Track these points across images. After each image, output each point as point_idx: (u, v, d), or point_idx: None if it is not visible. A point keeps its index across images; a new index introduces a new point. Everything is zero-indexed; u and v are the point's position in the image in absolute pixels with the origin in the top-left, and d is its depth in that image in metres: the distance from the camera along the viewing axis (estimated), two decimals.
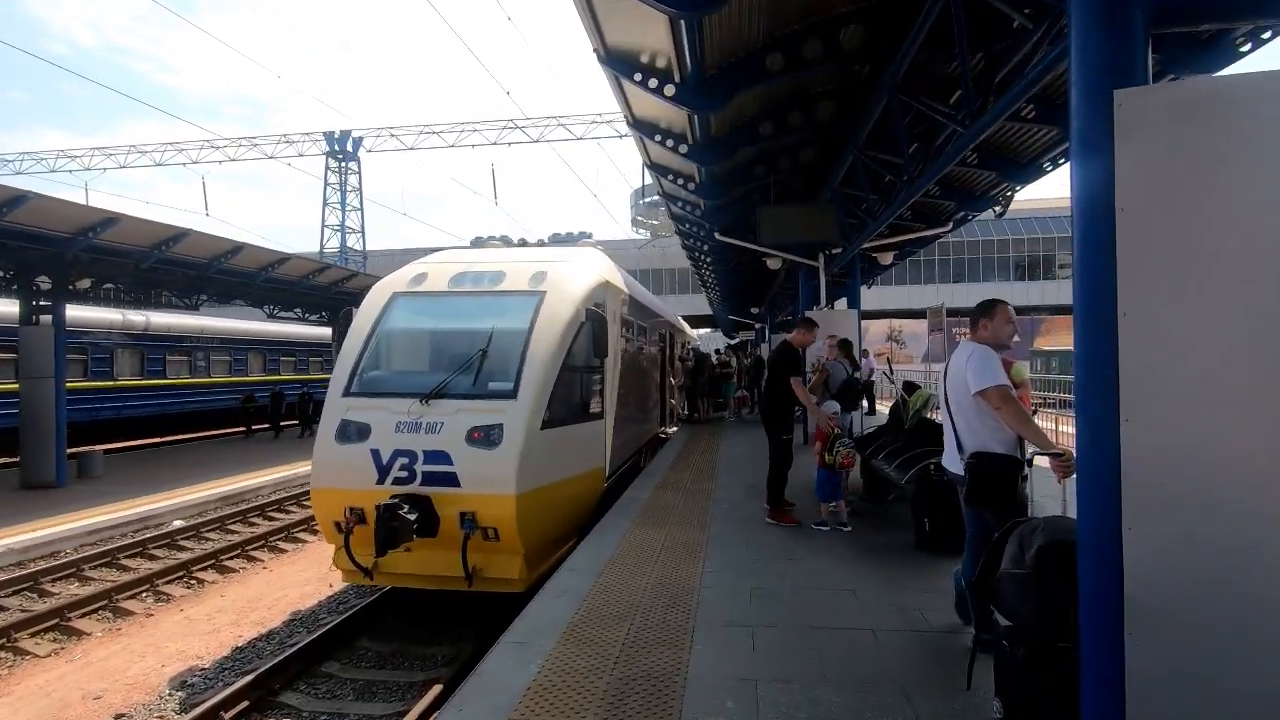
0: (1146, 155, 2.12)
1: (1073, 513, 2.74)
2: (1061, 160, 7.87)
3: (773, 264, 11.51)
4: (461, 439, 6.46)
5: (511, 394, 6.70)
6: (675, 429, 16.34)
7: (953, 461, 3.38)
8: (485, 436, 6.50)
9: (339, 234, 30.82)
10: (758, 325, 31.50)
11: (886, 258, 11.48)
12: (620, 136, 26.93)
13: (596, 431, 8.01)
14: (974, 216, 10.65)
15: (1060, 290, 45.53)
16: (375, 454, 6.52)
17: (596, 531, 6.19)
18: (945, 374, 3.47)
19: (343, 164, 30.43)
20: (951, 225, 10.86)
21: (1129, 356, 2.12)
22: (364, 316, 7.73)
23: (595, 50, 5.50)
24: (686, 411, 17.93)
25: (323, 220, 31.10)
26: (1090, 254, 2.25)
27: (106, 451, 15.73)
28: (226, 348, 23.72)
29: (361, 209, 31.48)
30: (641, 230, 65.65)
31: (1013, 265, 47.14)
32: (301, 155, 30.16)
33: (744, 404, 18.18)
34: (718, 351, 21.14)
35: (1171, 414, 2.08)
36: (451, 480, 6.38)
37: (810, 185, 9.17)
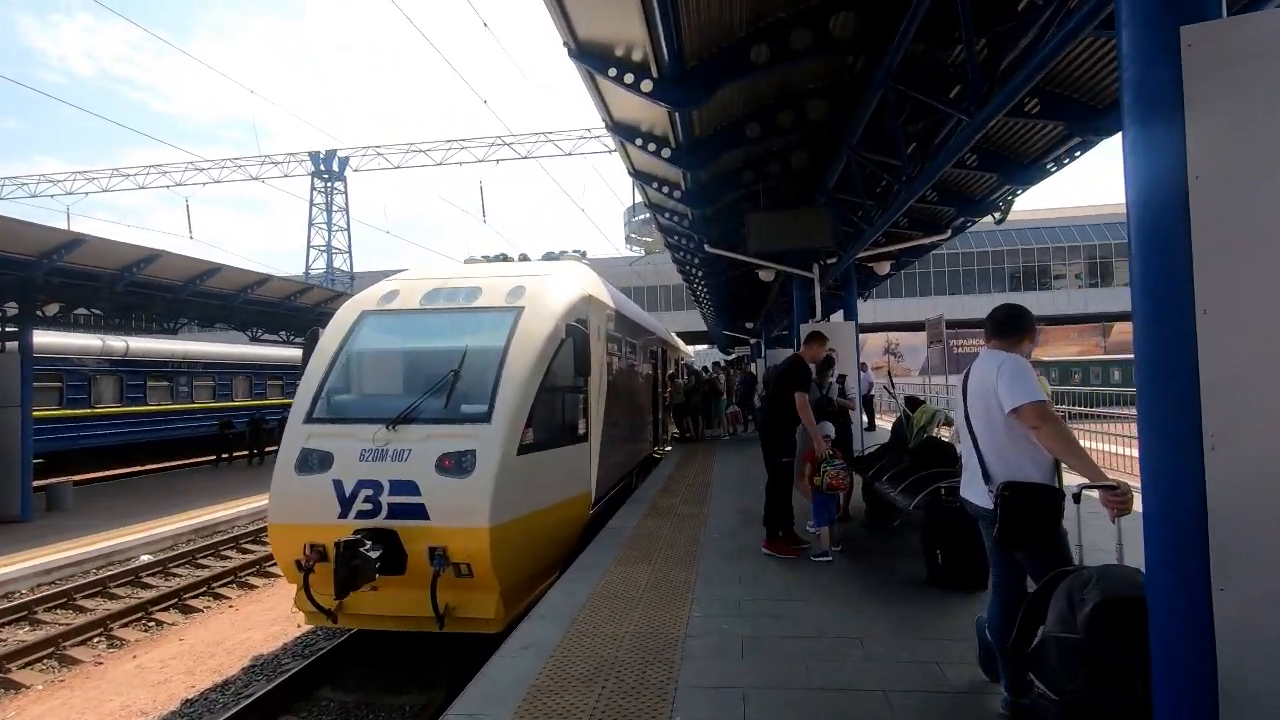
0: (1225, 108, 1.65)
1: (1132, 560, 2.24)
2: (1066, 160, 7.46)
3: (765, 276, 11.07)
4: (430, 467, 5.97)
5: (485, 417, 6.22)
6: (669, 449, 15.82)
7: (976, 492, 2.87)
8: (456, 464, 6.01)
9: (325, 255, 30.43)
10: (753, 341, 31.08)
11: (883, 267, 11.07)
12: (610, 151, 26.64)
13: (580, 455, 7.51)
14: (974, 222, 10.24)
15: (1055, 300, 45.38)
16: (338, 485, 6.03)
17: (574, 569, 5.65)
18: (964, 388, 2.98)
19: (329, 184, 30.03)
20: (950, 232, 10.45)
21: (1213, 364, 1.64)
22: (330, 336, 7.27)
23: (565, 44, 5.08)
24: (676, 431, 17.41)
25: (308, 241, 30.67)
26: (1155, 237, 1.78)
27: (77, 483, 15.13)
28: (210, 372, 23.17)
29: (348, 229, 31.07)
30: (635, 248, 65.49)
31: (1008, 276, 46.96)
32: (287, 176, 29.88)
33: (736, 421, 17.67)
34: (705, 369, 20.61)
35: (1274, 436, 1.60)
36: (419, 512, 5.88)
37: (802, 191, 8.75)
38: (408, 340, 7.37)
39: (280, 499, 6.19)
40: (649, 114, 6.17)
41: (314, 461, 6.21)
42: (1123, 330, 44.12)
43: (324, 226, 29.90)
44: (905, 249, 10.73)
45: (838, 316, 11.70)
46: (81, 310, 15.64)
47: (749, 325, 26.04)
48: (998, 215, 9.99)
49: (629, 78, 5.08)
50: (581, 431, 7.60)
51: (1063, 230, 46.49)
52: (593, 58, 5.11)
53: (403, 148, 28.52)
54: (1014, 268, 46.69)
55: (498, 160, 27.57)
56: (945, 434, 6.91)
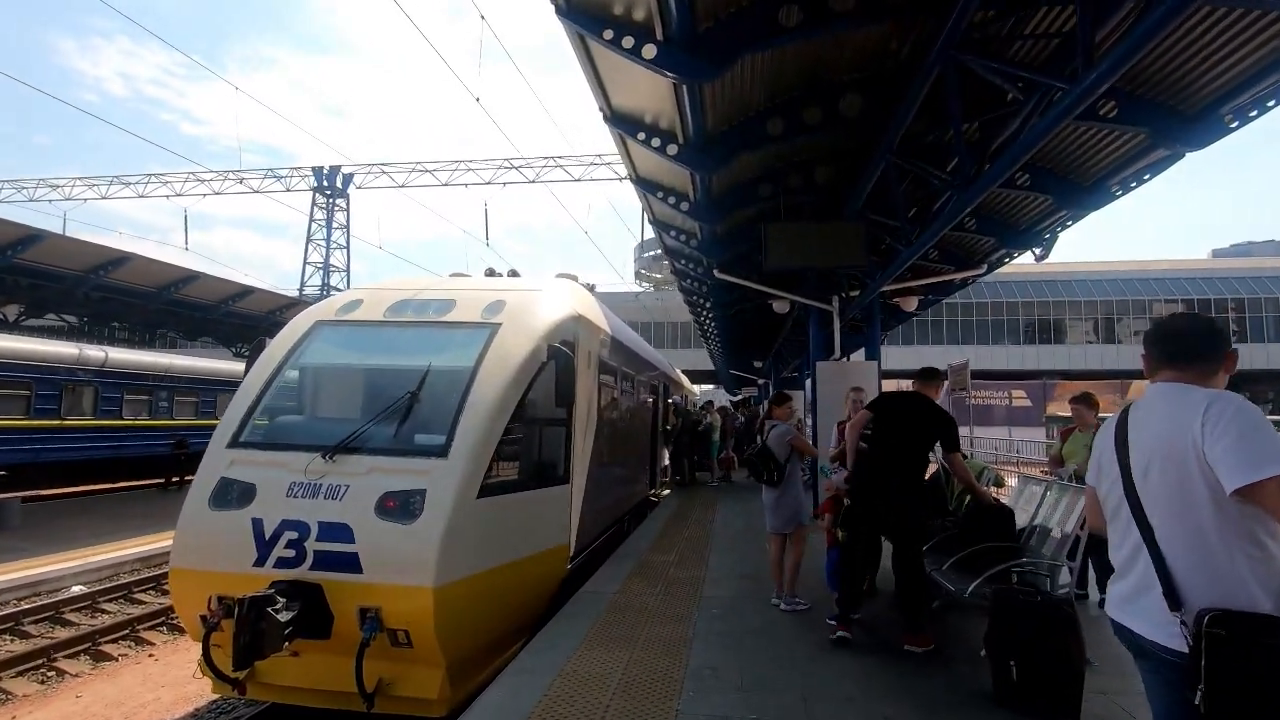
0: None
1: None
2: (1133, 183, 6.46)
3: (779, 307, 10.07)
4: (370, 508, 4.94)
5: (441, 450, 5.21)
6: (667, 492, 14.65)
7: (1149, 619, 1.70)
8: (401, 506, 4.98)
9: (321, 273, 29.55)
10: (760, 381, 30.03)
11: (910, 304, 10.05)
12: (620, 179, 25.93)
13: (559, 500, 6.44)
14: (1011, 258, 9.24)
15: (1069, 355, 44.34)
16: (257, 525, 4.98)
17: (529, 653, 4.47)
18: (1117, 442, 1.89)
19: (330, 200, 29.35)
20: (986, 268, 9.45)
21: None
22: (275, 349, 6.31)
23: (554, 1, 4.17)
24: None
25: (305, 257, 29.89)
26: None
27: (28, 499, 14.05)
28: (194, 387, 22.19)
29: (348, 247, 30.32)
30: (645, 284, 64.99)
31: (1022, 328, 46.00)
32: (290, 191, 29.21)
33: (730, 465, 16.33)
34: (703, 409, 19.15)
35: None
36: (351, 564, 4.82)
37: (826, 209, 7.78)
38: (364, 356, 6.37)
39: (187, 538, 5.13)
40: (654, 101, 5.24)
41: (233, 495, 5.18)
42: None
43: (323, 244, 29.19)
44: (935, 284, 9.73)
45: (858, 356, 10.65)
46: (53, 316, 14.84)
47: (758, 364, 24.99)
48: (1039, 250, 9.01)
49: (628, 41, 4.14)
50: (562, 472, 6.55)
51: (1079, 285, 45.67)
52: (585, 17, 4.19)
53: (407, 166, 27.97)
54: (1027, 320, 45.77)
55: (504, 184, 26.98)
56: (1004, 496, 5.78)
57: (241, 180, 28.30)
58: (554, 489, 6.38)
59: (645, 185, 7.17)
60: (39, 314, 14.18)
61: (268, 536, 4.92)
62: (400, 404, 5.47)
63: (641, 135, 5.63)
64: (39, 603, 8.82)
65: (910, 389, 4.90)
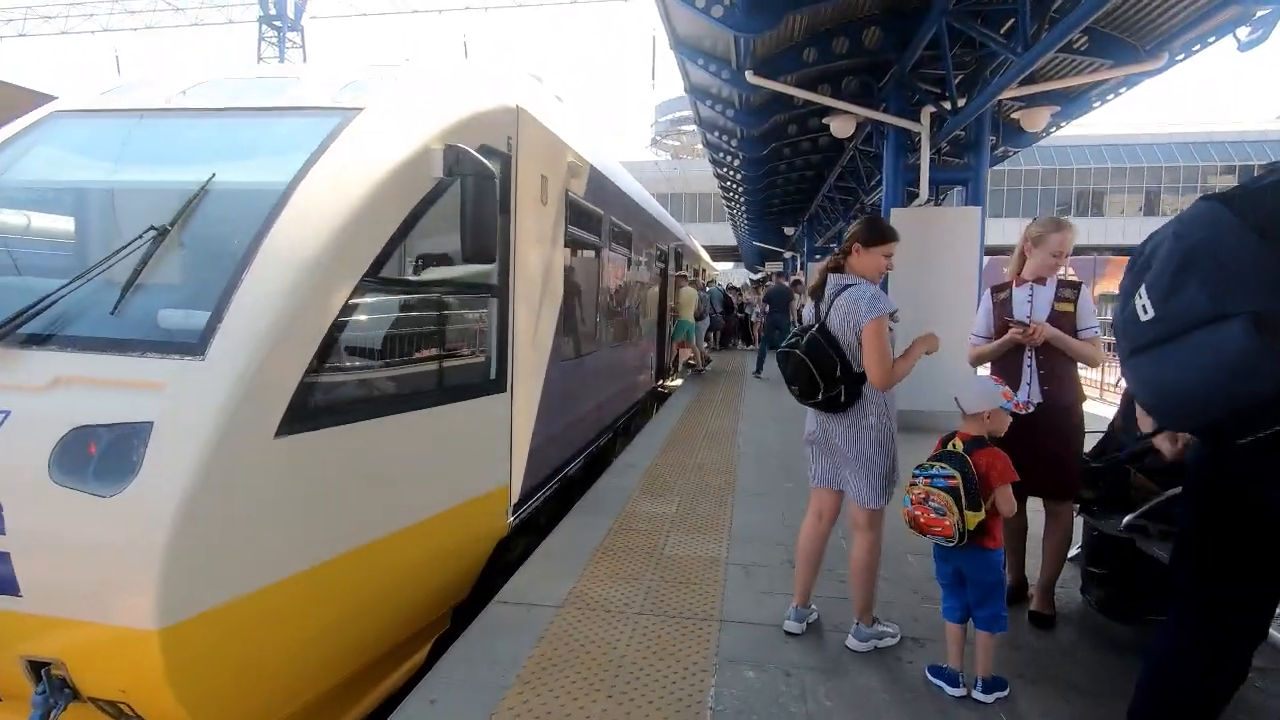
0: None
1: None
2: None
3: (839, 128, 6.94)
4: (41, 458, 2.39)
5: (194, 344, 2.56)
6: (679, 382, 12.16)
7: None
8: (107, 453, 2.43)
9: None
10: (787, 255, 26.81)
11: (1039, 119, 6.70)
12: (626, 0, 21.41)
13: (488, 419, 3.88)
14: (1205, 45, 5.97)
15: (1123, 228, 39.92)
16: None
17: None
18: None
19: (280, 32, 24.96)
20: (1165, 59, 6.19)
21: None
22: None
23: None
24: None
25: None
26: None
27: None
28: None
29: None
30: (661, 152, 59.97)
31: (1074, 197, 41.55)
32: (232, 22, 24.79)
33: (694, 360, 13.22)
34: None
35: None
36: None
37: None
38: (110, 169, 3.55)
39: None
40: None
41: None
42: None
43: None
44: (1085, 86, 6.50)
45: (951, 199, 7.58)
46: None
47: (788, 232, 21.71)
48: (1247, 34, 5.76)
49: None
50: (494, 373, 3.89)
51: (1125, 150, 40.41)
52: None
53: None
54: (1064, 190, 41.23)
55: (486, 8, 22.44)
56: None
57: (178, 10, 24.08)
58: (479, 402, 3.77)
59: None
60: None
61: None
62: (129, 254, 2.77)
63: None
64: None
65: None
